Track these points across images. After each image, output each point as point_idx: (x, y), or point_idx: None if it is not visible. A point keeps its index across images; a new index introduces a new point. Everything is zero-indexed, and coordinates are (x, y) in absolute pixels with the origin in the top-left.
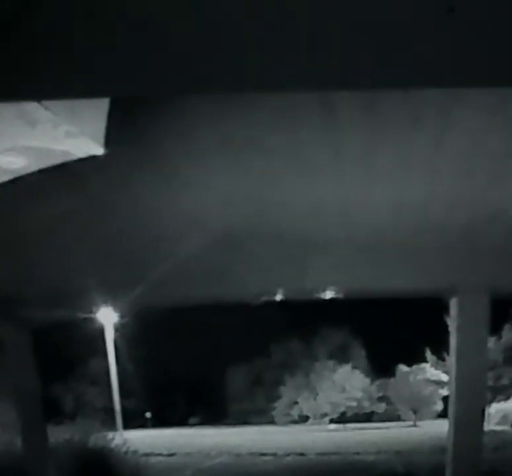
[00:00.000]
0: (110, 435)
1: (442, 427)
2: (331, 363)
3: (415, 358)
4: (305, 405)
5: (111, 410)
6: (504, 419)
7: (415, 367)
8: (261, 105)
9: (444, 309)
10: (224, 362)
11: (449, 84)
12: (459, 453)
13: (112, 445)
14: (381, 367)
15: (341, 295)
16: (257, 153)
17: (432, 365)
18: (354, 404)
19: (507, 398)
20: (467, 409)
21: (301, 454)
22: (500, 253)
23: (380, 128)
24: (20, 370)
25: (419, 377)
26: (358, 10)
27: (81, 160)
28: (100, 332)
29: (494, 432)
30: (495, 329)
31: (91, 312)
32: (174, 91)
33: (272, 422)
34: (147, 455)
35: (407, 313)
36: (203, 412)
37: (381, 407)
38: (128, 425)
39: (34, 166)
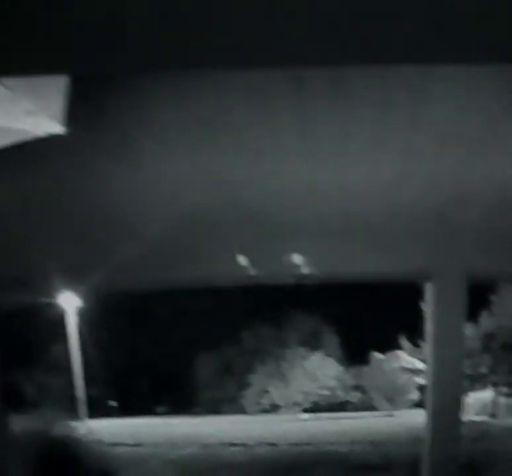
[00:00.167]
0: (74, 424)
1: (418, 417)
2: (302, 350)
3: (390, 345)
4: (276, 394)
5: (75, 398)
6: (483, 409)
7: (389, 354)
8: (228, 83)
9: (420, 294)
10: (192, 349)
11: (426, 61)
12: (436, 444)
13: (76, 434)
14: (354, 355)
15: (312, 280)
16: (225, 132)
17: (407, 353)
18: (327, 393)
19: (485, 388)
20: (444, 398)
21: (273, 444)
22: (477, 236)
23: (351, 108)
24: None
25: (394, 365)
26: None
27: (41, 140)
28: (62, 317)
29: (473, 422)
30: (473, 315)
31: (52, 297)
32: (135, 69)
33: (242, 411)
34: (112, 445)
35: (381, 298)
36: (170, 401)
37: (355, 396)
38: (92, 414)
39: None
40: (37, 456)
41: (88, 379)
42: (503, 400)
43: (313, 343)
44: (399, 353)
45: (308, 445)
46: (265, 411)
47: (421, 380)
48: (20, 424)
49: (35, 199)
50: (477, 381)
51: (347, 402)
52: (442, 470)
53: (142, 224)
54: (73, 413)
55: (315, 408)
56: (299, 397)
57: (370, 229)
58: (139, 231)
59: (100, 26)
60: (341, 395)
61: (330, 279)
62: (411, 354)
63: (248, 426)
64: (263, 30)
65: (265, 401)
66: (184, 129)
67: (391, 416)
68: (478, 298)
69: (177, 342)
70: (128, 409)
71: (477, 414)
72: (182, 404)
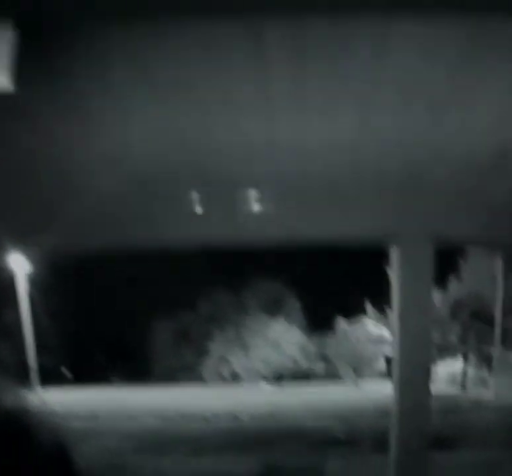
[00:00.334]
0: (25, 394)
1: (385, 388)
2: (263, 316)
3: (355, 312)
4: (236, 362)
5: (26, 366)
6: (452, 380)
7: (354, 322)
8: (183, 35)
9: (385, 258)
10: (147, 315)
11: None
12: (404, 417)
13: (27, 405)
14: (318, 322)
15: (271, 244)
16: (178, 87)
17: (373, 320)
18: (289, 362)
19: (454, 358)
20: (412, 369)
21: (234, 417)
22: (444, 196)
23: (311, 60)
24: None
25: (360, 333)
26: None
27: None
28: (12, 281)
29: (442, 394)
30: (441, 281)
31: (1, 259)
32: (84, 18)
33: (201, 380)
34: (66, 416)
35: (345, 262)
36: (125, 370)
37: (319, 366)
38: (44, 383)
39: None
40: None
41: (40, 347)
42: (472, 371)
43: (274, 309)
44: (365, 320)
45: (270, 417)
46: (225, 381)
47: (388, 349)
48: None
49: None
50: (446, 351)
51: (311, 372)
52: (410, 444)
53: (93, 184)
54: (24, 382)
55: (277, 377)
56: (261, 366)
57: (332, 189)
58: (90, 191)
59: None
60: (304, 365)
61: (290, 242)
62: (377, 322)
63: (207, 397)
64: None
65: (225, 370)
66: (137, 84)
67: (357, 387)
68: (446, 263)
69: (132, 308)
70: (81, 379)
71: (447, 385)
72: (138, 373)
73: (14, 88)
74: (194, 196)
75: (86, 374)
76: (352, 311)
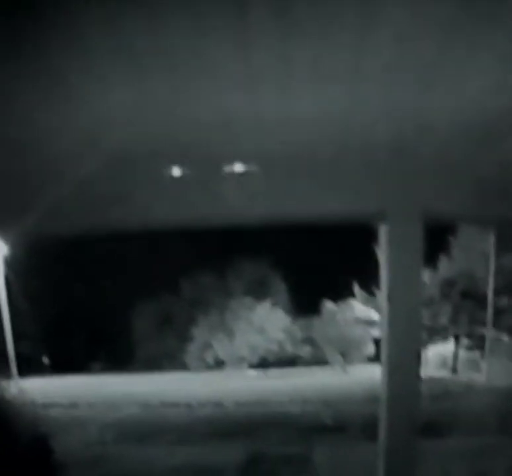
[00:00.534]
0: (4, 383)
1: (373, 372)
2: (247, 300)
3: (342, 294)
4: (220, 348)
5: (4, 355)
6: (443, 363)
7: (342, 304)
8: (160, 4)
9: (373, 237)
10: (128, 300)
11: None
12: (394, 403)
13: (5, 394)
14: (304, 305)
15: (255, 223)
16: (159, 61)
17: (361, 302)
18: (275, 347)
19: (445, 340)
20: (401, 352)
21: (219, 404)
22: (434, 172)
23: (296, 31)
24: None
25: (347, 315)
26: None
27: None
28: None
29: (432, 378)
30: (431, 260)
31: None
32: None
33: (184, 367)
34: (45, 406)
35: (332, 242)
36: (106, 357)
37: (305, 350)
38: (23, 372)
39: None
40: None
41: (18, 334)
42: (464, 353)
43: (259, 292)
44: (353, 302)
45: (256, 404)
46: (209, 367)
47: (376, 332)
48: None
49: None
50: (436, 333)
51: (297, 356)
52: (400, 430)
53: (72, 163)
54: (2, 372)
55: (262, 364)
56: (245, 352)
57: (318, 164)
58: (69, 170)
59: None
60: (290, 349)
61: (275, 221)
62: (366, 304)
63: (191, 384)
64: None
65: (208, 357)
66: (116, 57)
67: (345, 372)
68: (436, 241)
69: (112, 293)
70: (61, 366)
71: (437, 369)
72: (119, 360)
73: None
74: (176, 173)
75: (65, 361)
76: (340, 292)
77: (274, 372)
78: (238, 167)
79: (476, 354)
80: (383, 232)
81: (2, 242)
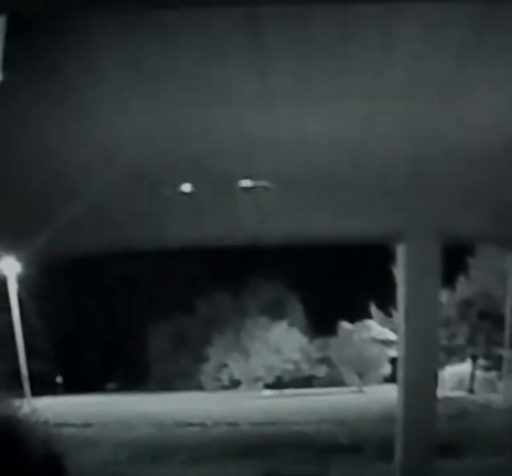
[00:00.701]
0: (17, 402)
1: (390, 393)
2: (264, 320)
3: (359, 314)
4: (236, 368)
5: (17, 374)
6: (460, 384)
7: (358, 324)
8: (176, 21)
9: (391, 257)
10: (144, 319)
11: None
12: (410, 423)
13: (19, 414)
14: (321, 325)
15: (272, 243)
16: (174, 78)
17: (378, 322)
18: (291, 367)
19: (462, 360)
20: (418, 372)
21: (233, 424)
22: (453, 192)
23: (313, 50)
24: None
25: (364, 335)
26: None
27: None
28: (3, 284)
29: (449, 398)
30: (449, 280)
31: None
32: (74, 6)
33: (199, 387)
34: (59, 425)
35: (349, 262)
36: (120, 377)
37: (321, 370)
38: (36, 391)
39: None
40: None
41: (32, 353)
42: (481, 374)
43: (275, 312)
44: (370, 323)
45: (271, 425)
46: (224, 387)
47: (393, 352)
48: None
49: None
50: (453, 353)
51: (313, 377)
52: (416, 450)
53: (86, 180)
54: (16, 391)
55: (278, 383)
56: (261, 372)
57: (336, 184)
58: (83, 188)
59: None
60: (306, 369)
61: (292, 241)
62: (383, 324)
63: (206, 404)
64: None
65: (224, 376)
66: (130, 73)
67: (361, 392)
68: (454, 261)
69: (127, 312)
70: (74, 386)
71: (454, 389)
72: (134, 380)
73: (3, 76)
74: (191, 191)
75: (79, 381)
76: (357, 312)
77: (289, 392)
78: (254, 187)
79: (493, 375)
80: (400, 252)
81: (16, 260)
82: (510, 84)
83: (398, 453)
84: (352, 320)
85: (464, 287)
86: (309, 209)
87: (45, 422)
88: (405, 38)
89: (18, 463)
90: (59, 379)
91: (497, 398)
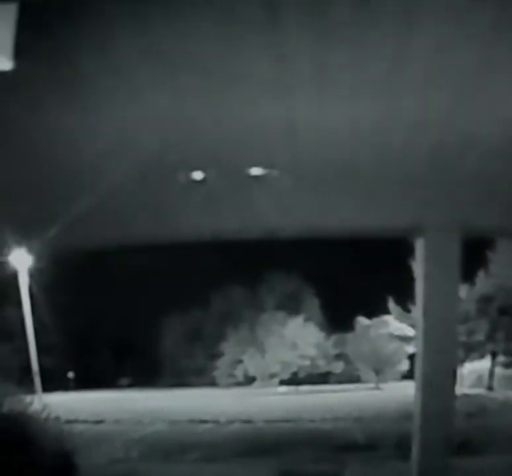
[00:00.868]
0: (28, 398)
1: (407, 390)
2: (280, 315)
3: (377, 309)
4: (251, 364)
5: (28, 369)
6: (478, 381)
7: (376, 319)
8: (192, 9)
9: (409, 251)
10: (157, 314)
11: None
12: (427, 420)
13: (30, 410)
14: (337, 320)
15: (288, 236)
16: (189, 66)
17: (396, 318)
18: (307, 363)
19: (481, 357)
20: (436, 369)
21: (248, 421)
22: (473, 185)
23: (331, 40)
24: None
25: (381, 331)
26: None
27: None
28: (14, 278)
29: (467, 395)
30: (468, 275)
31: (2, 255)
32: None
33: (213, 383)
34: (70, 422)
35: (367, 256)
36: (133, 373)
37: (338, 367)
38: (48, 387)
39: None
40: None
41: (43, 348)
42: (500, 370)
43: (291, 306)
44: (387, 318)
45: (286, 422)
46: (239, 384)
47: (411, 349)
48: None
49: None
50: (472, 350)
51: (329, 373)
52: (433, 448)
53: (98, 172)
54: (27, 386)
55: (293, 380)
56: (277, 368)
57: (354, 177)
58: (95, 180)
59: None
60: (323, 365)
61: (310, 234)
62: (401, 320)
63: (220, 400)
64: None
65: (239, 372)
66: (144, 62)
67: (378, 389)
68: (474, 256)
69: (140, 306)
70: (86, 382)
71: (473, 386)
72: (147, 376)
73: (15, 66)
74: (205, 183)
75: (91, 376)
76: (374, 308)
77: (305, 389)
78: (270, 177)
79: None
80: (419, 246)
81: (27, 253)
82: None
83: (415, 452)
84: (369, 315)
85: (483, 282)
86: (326, 203)
87: (57, 419)
88: (427, 26)
89: (29, 459)
90: (70, 375)
91: None
